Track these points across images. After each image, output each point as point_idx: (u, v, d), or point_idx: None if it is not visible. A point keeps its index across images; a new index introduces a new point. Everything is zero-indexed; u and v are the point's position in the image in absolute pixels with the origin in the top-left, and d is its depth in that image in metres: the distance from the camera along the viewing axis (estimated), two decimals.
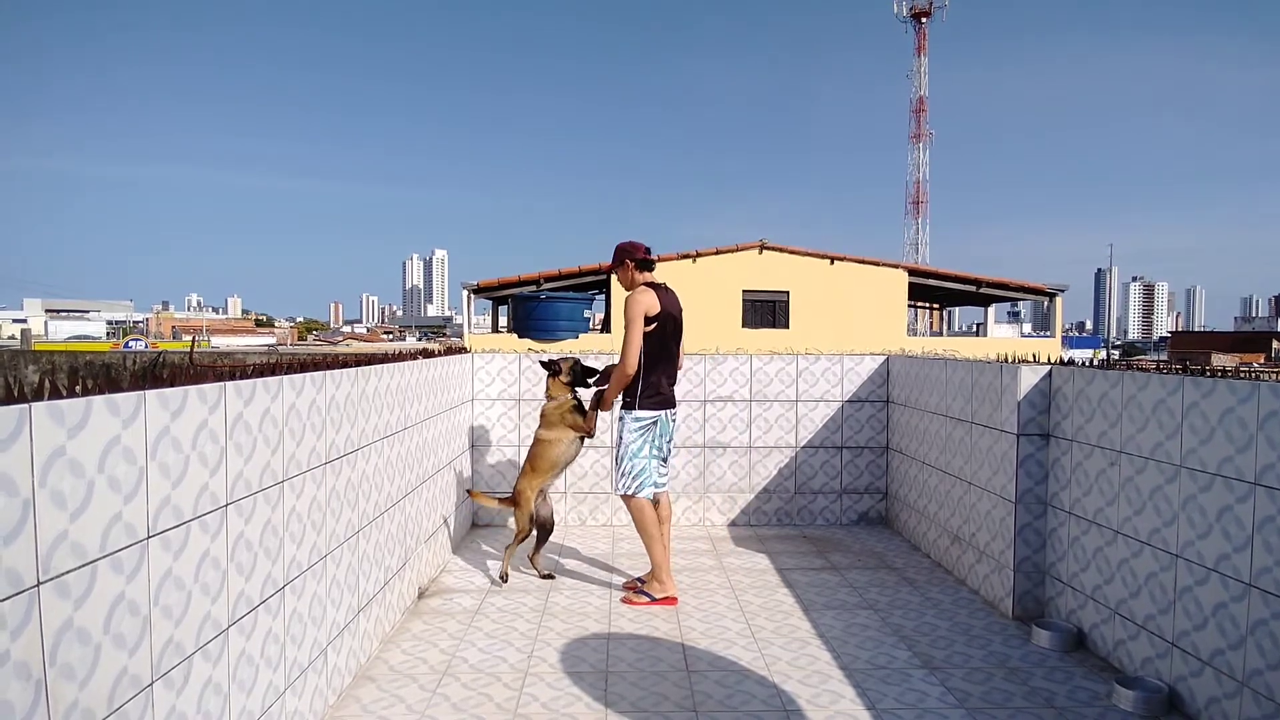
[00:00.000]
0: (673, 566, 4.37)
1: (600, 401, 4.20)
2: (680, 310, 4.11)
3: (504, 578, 4.30)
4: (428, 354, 4.43)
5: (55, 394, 1.55)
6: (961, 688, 3.07)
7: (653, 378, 3.95)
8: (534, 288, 17.77)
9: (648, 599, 3.98)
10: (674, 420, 4.12)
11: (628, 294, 3.99)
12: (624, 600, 4.02)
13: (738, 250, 18.03)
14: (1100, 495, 3.33)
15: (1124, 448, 3.17)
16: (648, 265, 4.04)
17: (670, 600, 3.99)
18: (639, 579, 4.18)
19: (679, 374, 4.21)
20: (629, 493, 3.98)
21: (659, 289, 4.01)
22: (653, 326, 3.91)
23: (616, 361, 4.02)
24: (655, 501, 4.05)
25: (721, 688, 3.06)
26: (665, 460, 4.12)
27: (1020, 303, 24.98)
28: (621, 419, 4.02)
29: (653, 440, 4.01)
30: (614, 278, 4.22)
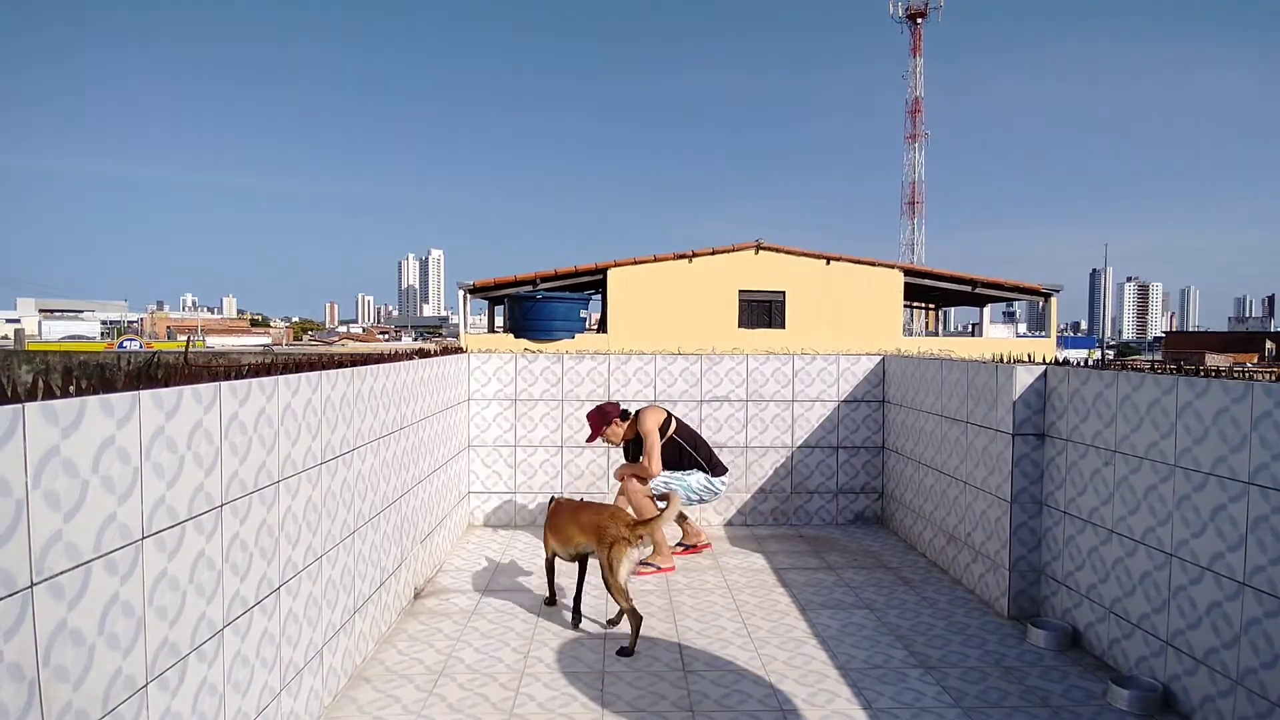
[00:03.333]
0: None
1: (638, 471, 4.62)
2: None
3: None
4: (424, 354, 4.43)
5: (49, 394, 1.54)
6: (957, 687, 3.07)
7: (711, 457, 4.79)
8: (530, 288, 17.75)
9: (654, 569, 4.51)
10: None
11: (641, 427, 4.61)
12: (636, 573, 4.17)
13: (734, 250, 18.03)
14: (1095, 495, 3.34)
15: (1118, 447, 3.18)
16: (627, 414, 4.70)
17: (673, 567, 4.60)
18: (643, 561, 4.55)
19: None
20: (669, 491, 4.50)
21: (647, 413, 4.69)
22: (670, 431, 4.67)
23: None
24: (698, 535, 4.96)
25: (718, 687, 3.06)
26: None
27: (1015, 303, 25.05)
28: (703, 470, 4.74)
29: (703, 497, 4.74)
30: (607, 430, 4.66)
